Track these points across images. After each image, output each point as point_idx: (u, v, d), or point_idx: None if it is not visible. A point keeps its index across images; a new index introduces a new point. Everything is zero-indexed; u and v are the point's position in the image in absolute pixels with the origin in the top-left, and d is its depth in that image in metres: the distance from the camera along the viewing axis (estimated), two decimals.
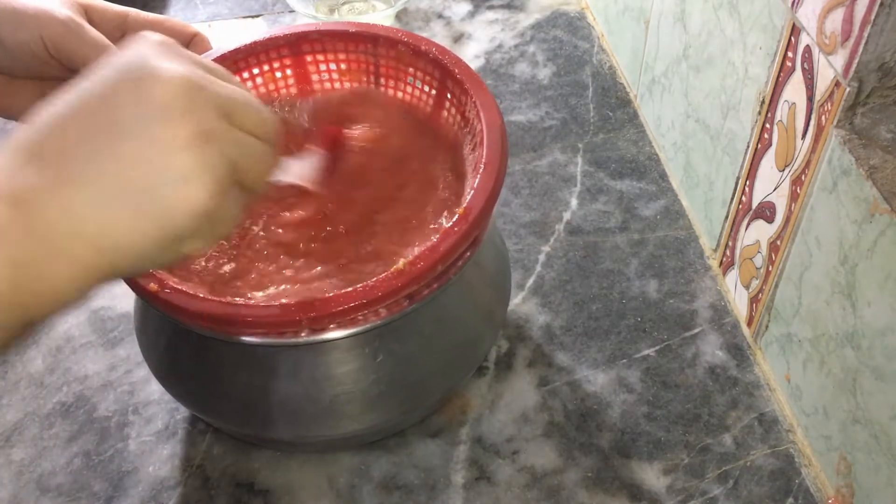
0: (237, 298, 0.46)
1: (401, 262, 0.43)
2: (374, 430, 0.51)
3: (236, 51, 0.54)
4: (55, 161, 0.31)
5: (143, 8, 0.51)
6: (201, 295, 0.43)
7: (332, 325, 0.43)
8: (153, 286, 0.43)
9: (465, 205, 0.45)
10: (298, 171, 0.47)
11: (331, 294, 0.42)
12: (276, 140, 0.37)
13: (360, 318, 0.43)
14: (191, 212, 0.32)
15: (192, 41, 0.51)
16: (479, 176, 0.46)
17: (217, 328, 0.43)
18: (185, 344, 0.49)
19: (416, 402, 0.50)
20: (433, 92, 0.55)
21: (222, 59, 0.53)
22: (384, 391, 0.48)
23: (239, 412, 0.48)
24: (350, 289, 0.42)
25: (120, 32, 0.49)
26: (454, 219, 0.45)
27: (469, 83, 0.51)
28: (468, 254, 0.47)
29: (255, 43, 0.55)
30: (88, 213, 0.31)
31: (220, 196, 0.33)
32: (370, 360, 0.47)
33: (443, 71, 0.53)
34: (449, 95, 0.54)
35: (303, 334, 0.43)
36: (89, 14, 0.48)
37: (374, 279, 0.42)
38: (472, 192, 0.46)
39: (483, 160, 0.47)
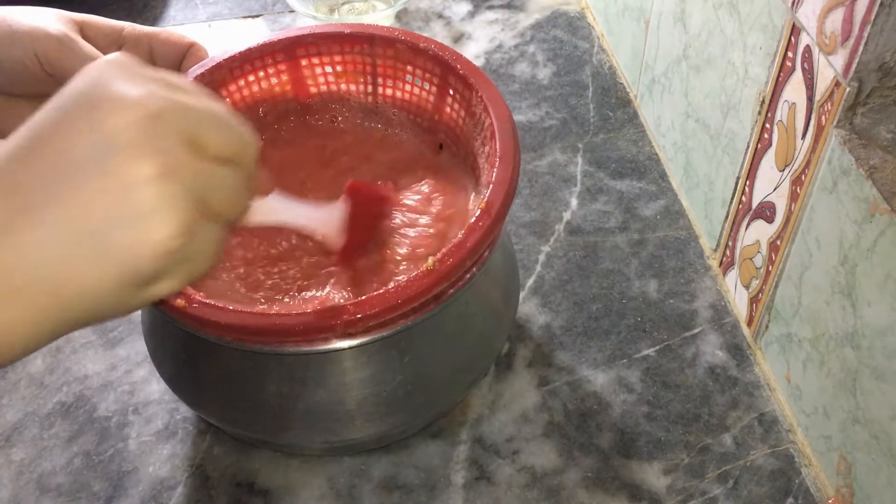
0: (266, 307, 0.46)
1: (430, 261, 0.42)
2: (398, 431, 0.51)
3: (231, 58, 0.54)
4: (8, 200, 0.28)
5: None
6: (231, 307, 0.42)
7: (365, 329, 0.43)
8: (180, 302, 0.42)
9: (485, 198, 0.45)
10: (314, 216, 0.45)
11: (363, 297, 0.42)
12: (252, 164, 0.33)
13: (391, 319, 0.43)
14: (154, 252, 0.29)
15: (188, 51, 0.51)
16: (495, 169, 0.46)
17: (249, 339, 0.43)
18: (203, 353, 0.48)
19: (440, 400, 0.50)
20: (434, 89, 0.55)
21: (217, 67, 0.53)
22: (411, 391, 0.47)
23: (264, 420, 0.47)
24: (381, 290, 0.42)
25: (116, 47, 0.48)
26: (476, 214, 0.45)
27: (473, 78, 0.51)
28: (488, 250, 0.46)
29: (249, 49, 0.55)
30: (44, 256, 0.28)
31: (188, 234, 0.30)
32: (397, 361, 0.46)
33: (444, 67, 0.53)
34: (451, 91, 0.54)
35: (334, 340, 0.43)
36: (84, 30, 0.48)
37: (405, 279, 0.42)
38: (492, 185, 0.46)
39: (498, 153, 0.47)
